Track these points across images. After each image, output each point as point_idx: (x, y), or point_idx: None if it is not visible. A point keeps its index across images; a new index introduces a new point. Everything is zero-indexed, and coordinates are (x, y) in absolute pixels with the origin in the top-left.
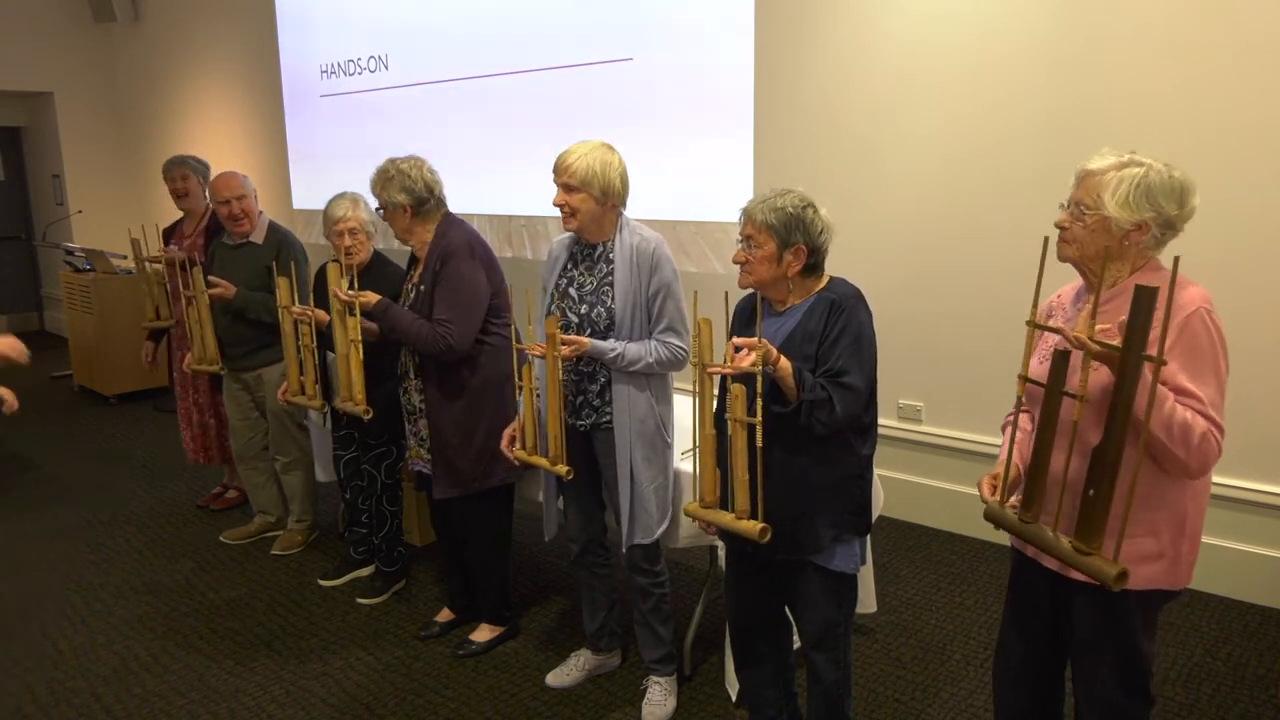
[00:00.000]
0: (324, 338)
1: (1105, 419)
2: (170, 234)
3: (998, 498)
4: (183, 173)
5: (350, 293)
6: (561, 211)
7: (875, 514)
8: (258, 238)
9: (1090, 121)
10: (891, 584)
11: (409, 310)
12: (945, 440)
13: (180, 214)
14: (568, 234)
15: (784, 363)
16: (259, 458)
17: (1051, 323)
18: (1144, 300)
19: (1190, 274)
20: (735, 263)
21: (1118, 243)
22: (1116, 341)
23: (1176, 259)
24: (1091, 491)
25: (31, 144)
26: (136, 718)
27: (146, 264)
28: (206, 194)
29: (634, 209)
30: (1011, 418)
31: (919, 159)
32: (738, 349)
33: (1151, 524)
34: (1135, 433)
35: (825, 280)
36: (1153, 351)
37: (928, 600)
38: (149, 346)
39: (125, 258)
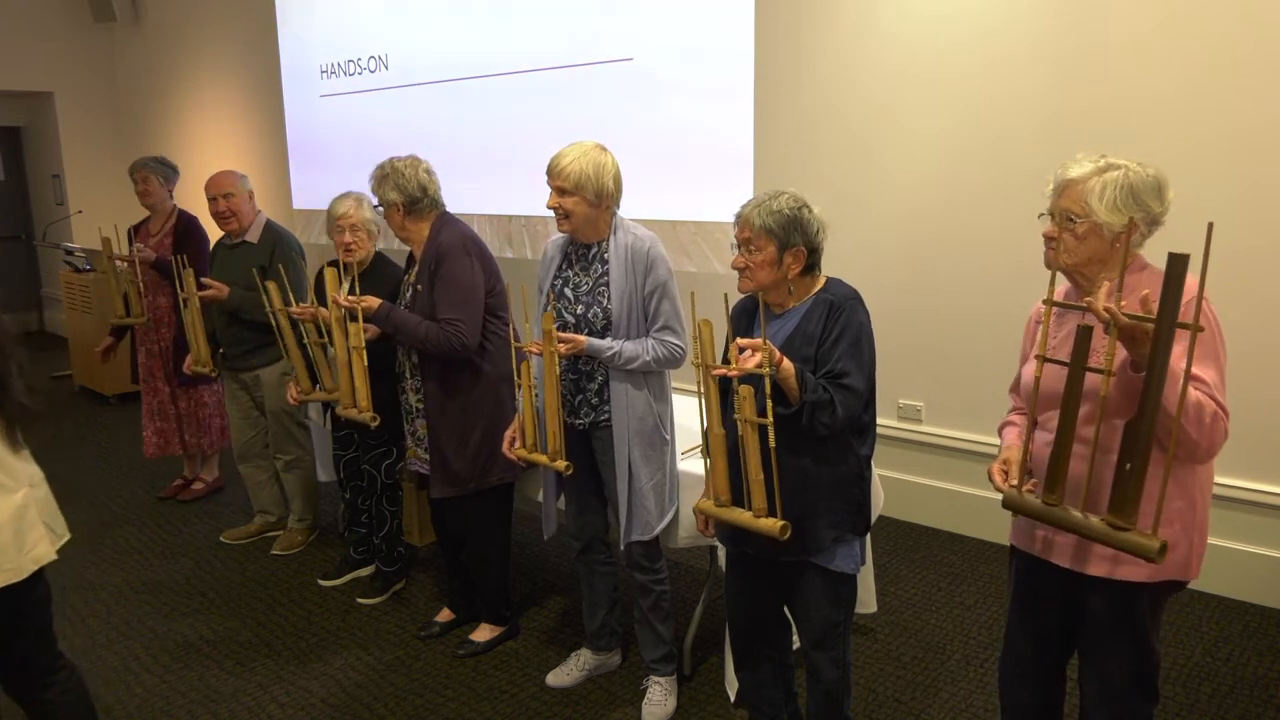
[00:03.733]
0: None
1: (1126, 397)
2: (135, 232)
3: (1011, 484)
4: (143, 174)
5: (350, 298)
6: (556, 214)
7: (875, 514)
8: (253, 237)
9: (1089, 122)
10: (891, 584)
11: (411, 313)
12: (945, 440)
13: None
14: (562, 234)
15: (786, 364)
16: (260, 457)
17: (1041, 330)
18: (1177, 267)
19: (1193, 273)
20: (735, 268)
21: (1109, 246)
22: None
23: (1210, 225)
24: (1128, 466)
25: (31, 144)
26: (137, 718)
27: (117, 261)
28: (171, 195)
29: (634, 209)
30: (1011, 419)
31: (919, 159)
32: (741, 350)
33: (1166, 514)
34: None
35: (822, 281)
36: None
37: (928, 600)
38: (109, 341)
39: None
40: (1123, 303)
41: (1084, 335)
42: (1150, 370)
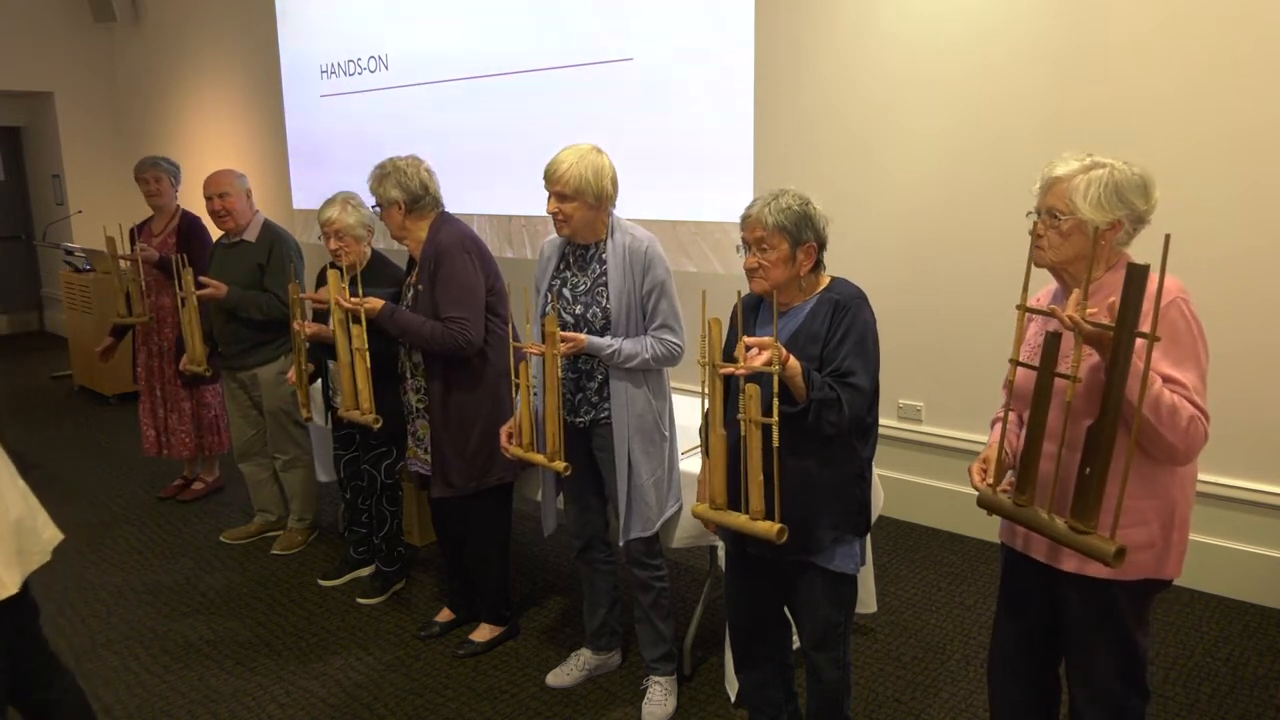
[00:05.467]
0: (323, 345)
1: (1099, 400)
2: (139, 232)
3: (989, 483)
4: (155, 174)
5: (354, 300)
6: (554, 218)
7: (875, 514)
8: (251, 236)
9: (1089, 122)
10: (891, 584)
11: (414, 313)
12: (945, 440)
13: (149, 213)
14: (558, 235)
15: (793, 362)
16: (261, 455)
17: (1031, 327)
18: (1136, 277)
19: (1189, 274)
20: (747, 269)
21: (1094, 244)
22: (1106, 321)
23: (1168, 237)
24: (1088, 470)
25: (31, 144)
26: (137, 718)
27: (121, 261)
28: (177, 195)
29: (634, 209)
30: (1001, 415)
31: (919, 159)
32: (748, 348)
33: (1140, 513)
34: (1128, 415)
35: (827, 280)
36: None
37: (928, 600)
38: (109, 341)
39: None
40: (1091, 310)
41: (1051, 342)
42: (1110, 376)
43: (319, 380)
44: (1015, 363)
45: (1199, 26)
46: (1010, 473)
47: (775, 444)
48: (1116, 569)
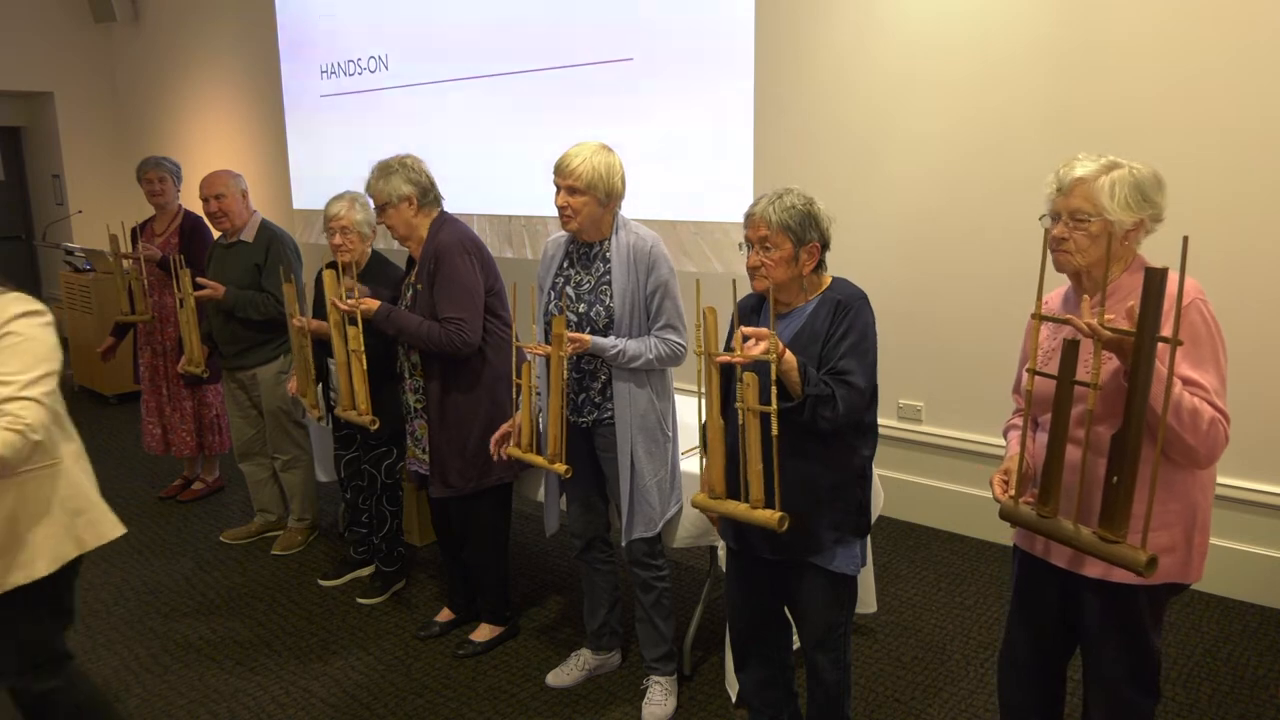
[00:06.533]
0: (324, 344)
1: (1120, 406)
2: (141, 231)
3: (1010, 495)
4: (159, 174)
5: (350, 301)
6: (561, 213)
7: (875, 514)
8: (248, 236)
9: (1090, 122)
10: (891, 584)
11: (412, 313)
12: (945, 440)
13: (150, 212)
14: (562, 233)
15: (789, 356)
16: (261, 455)
17: (1041, 331)
18: (1155, 281)
19: (1191, 274)
20: (749, 267)
21: (1118, 244)
22: (1125, 327)
23: (1185, 239)
24: (1115, 479)
25: (31, 144)
26: (137, 718)
27: (123, 260)
28: (179, 195)
29: (634, 209)
30: (1015, 421)
31: (919, 159)
32: (745, 339)
33: (1163, 517)
34: (1150, 420)
35: (828, 281)
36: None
37: (928, 600)
38: (110, 341)
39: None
40: (1109, 315)
41: (1070, 350)
42: (1132, 383)
43: (320, 383)
44: (1034, 372)
45: (1200, 26)
46: (1032, 485)
47: (774, 432)
48: (1148, 577)
